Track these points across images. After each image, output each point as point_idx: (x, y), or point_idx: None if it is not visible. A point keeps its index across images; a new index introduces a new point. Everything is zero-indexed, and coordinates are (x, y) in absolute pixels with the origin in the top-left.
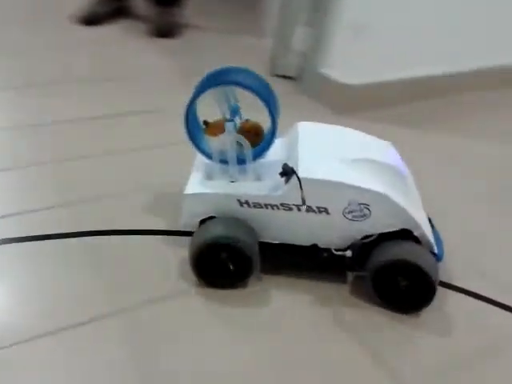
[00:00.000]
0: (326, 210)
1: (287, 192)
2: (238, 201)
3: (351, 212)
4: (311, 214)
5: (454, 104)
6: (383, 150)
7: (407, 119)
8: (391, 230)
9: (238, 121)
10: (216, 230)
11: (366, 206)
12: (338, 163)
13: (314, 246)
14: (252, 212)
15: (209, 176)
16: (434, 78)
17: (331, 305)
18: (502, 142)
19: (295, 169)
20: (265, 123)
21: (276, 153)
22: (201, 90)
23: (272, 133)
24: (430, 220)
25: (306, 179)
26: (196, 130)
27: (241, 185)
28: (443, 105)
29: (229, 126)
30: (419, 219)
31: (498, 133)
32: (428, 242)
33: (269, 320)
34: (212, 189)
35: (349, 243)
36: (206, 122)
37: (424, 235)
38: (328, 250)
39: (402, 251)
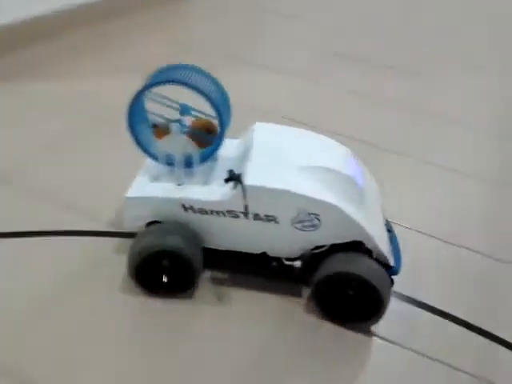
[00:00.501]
0: (274, 219)
1: (233, 198)
2: (182, 206)
3: (301, 222)
4: (259, 222)
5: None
6: (340, 158)
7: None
8: (342, 241)
9: (188, 120)
10: (152, 238)
11: (316, 216)
12: (291, 170)
13: (264, 255)
14: (197, 217)
15: (155, 178)
16: None
17: (281, 321)
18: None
19: (243, 175)
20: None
21: (229, 156)
22: (147, 86)
23: (219, 136)
24: (389, 230)
25: (253, 187)
26: (143, 129)
27: (186, 189)
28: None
29: (174, 127)
30: (373, 231)
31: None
32: (381, 254)
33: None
34: (155, 192)
35: (299, 253)
36: (154, 125)
37: (376, 247)
38: (278, 260)
39: (347, 263)
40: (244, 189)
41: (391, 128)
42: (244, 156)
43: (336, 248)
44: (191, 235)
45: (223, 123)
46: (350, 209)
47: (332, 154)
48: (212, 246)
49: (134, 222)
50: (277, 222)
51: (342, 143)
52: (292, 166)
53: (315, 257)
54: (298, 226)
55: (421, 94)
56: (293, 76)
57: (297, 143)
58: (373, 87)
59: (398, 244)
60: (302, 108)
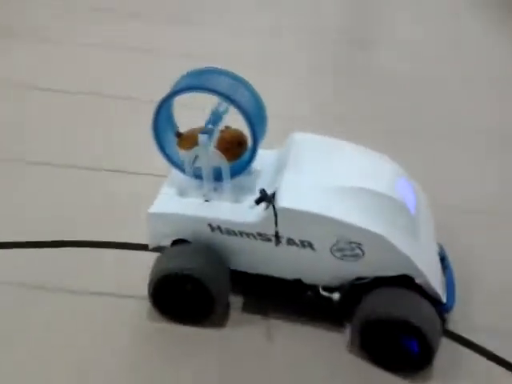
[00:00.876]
0: (310, 245)
1: (264, 221)
2: (209, 225)
3: (341, 250)
4: (293, 247)
5: None
6: (390, 179)
7: None
8: (388, 274)
9: (218, 129)
10: (169, 261)
11: (359, 245)
12: (331, 191)
13: (298, 282)
14: (224, 238)
15: (182, 192)
16: None
17: (319, 363)
18: None
19: (276, 194)
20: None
21: (264, 169)
22: (174, 92)
23: (252, 150)
24: (442, 259)
25: (286, 209)
26: (169, 136)
27: (214, 206)
28: None
29: (202, 138)
30: (424, 264)
31: None
32: (433, 291)
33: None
34: (179, 208)
35: (338, 283)
36: (178, 134)
37: (428, 283)
38: (314, 288)
39: (393, 305)
40: (276, 212)
41: None
42: (279, 171)
43: (381, 281)
44: (215, 258)
45: (256, 135)
46: (398, 239)
47: (380, 173)
48: (240, 269)
49: (158, 238)
50: (313, 249)
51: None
52: (333, 186)
53: (356, 289)
54: (338, 254)
55: None
56: None
57: (340, 158)
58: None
59: (452, 276)
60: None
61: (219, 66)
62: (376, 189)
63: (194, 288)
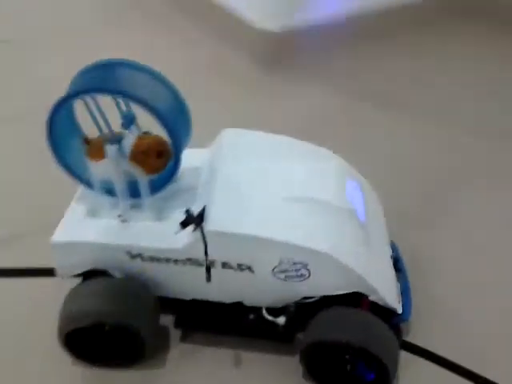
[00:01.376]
0: (249, 268)
1: (193, 245)
2: (128, 253)
3: (284, 272)
4: (230, 271)
5: None
6: (337, 181)
7: None
8: (337, 293)
9: (131, 136)
10: (83, 303)
11: (304, 265)
12: (270, 204)
13: (238, 305)
14: (148, 266)
15: (93, 212)
16: None
17: None
18: None
19: (205, 213)
20: None
21: (192, 174)
22: (72, 94)
23: (175, 163)
24: (396, 260)
25: (218, 233)
26: (74, 144)
27: (133, 229)
28: None
29: (110, 150)
30: (377, 277)
31: None
32: (388, 305)
33: None
34: (90, 235)
35: (284, 304)
36: (86, 140)
37: (382, 299)
38: (257, 311)
39: (340, 327)
40: (204, 236)
41: None
42: (209, 180)
43: (329, 300)
44: (138, 291)
45: (178, 144)
46: (348, 254)
47: (325, 175)
48: (170, 296)
49: (69, 269)
50: (252, 272)
51: None
52: (272, 198)
53: (303, 310)
54: (281, 276)
55: None
56: None
57: (278, 161)
58: None
59: (407, 280)
60: None
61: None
62: (321, 197)
63: (117, 333)
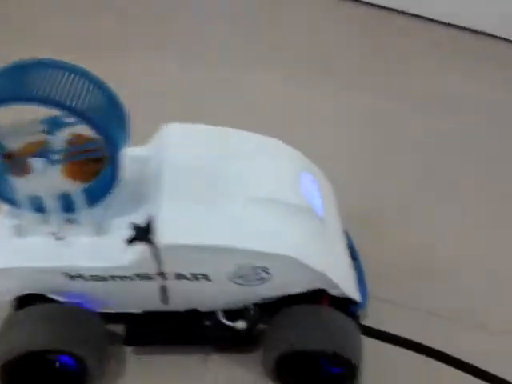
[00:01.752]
0: (205, 277)
1: (142, 262)
2: (66, 274)
3: (243, 277)
4: (184, 281)
5: None
6: (291, 175)
7: None
8: (298, 291)
9: (59, 142)
10: (19, 334)
11: (265, 269)
12: (223, 207)
13: (194, 312)
14: (91, 285)
15: (20, 230)
16: None
17: None
18: None
19: (153, 224)
20: None
21: (133, 177)
22: None
23: (112, 167)
24: (351, 250)
25: (170, 246)
26: None
27: (70, 247)
28: None
29: (37, 164)
30: (337, 270)
31: None
32: (348, 296)
33: None
34: (20, 259)
35: (241, 305)
36: (7, 154)
37: (343, 293)
38: (212, 315)
39: (306, 333)
40: (157, 252)
41: None
42: (153, 183)
43: (289, 298)
44: (81, 315)
45: (114, 146)
46: (310, 254)
47: (279, 170)
48: (116, 311)
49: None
50: (209, 280)
51: None
52: (224, 201)
53: (262, 310)
54: (239, 281)
55: None
56: None
57: (228, 157)
58: None
59: (361, 268)
60: None
61: None
62: (277, 196)
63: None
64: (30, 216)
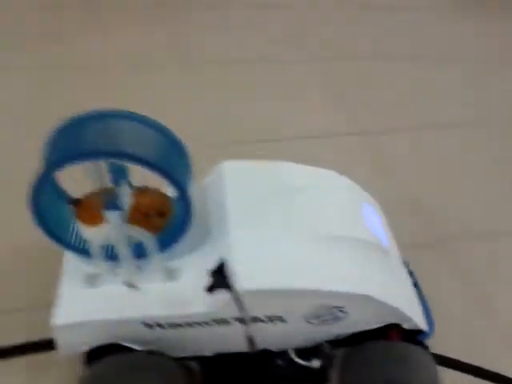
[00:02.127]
0: (280, 319)
1: (221, 308)
2: (144, 324)
3: (318, 317)
4: (258, 324)
5: None
6: (355, 210)
7: None
8: (371, 328)
9: (125, 194)
10: None
11: (340, 308)
12: (295, 247)
13: (265, 352)
14: (167, 333)
15: (91, 280)
16: None
17: None
18: None
19: (228, 267)
20: None
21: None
22: (54, 164)
23: (186, 212)
24: (415, 284)
25: (251, 292)
26: (58, 209)
27: (146, 295)
28: None
29: (112, 217)
30: (407, 303)
31: None
32: (418, 327)
33: None
34: (97, 311)
35: (314, 344)
36: (75, 201)
37: (415, 325)
38: (284, 355)
39: (395, 369)
40: (239, 297)
41: None
42: (217, 224)
43: (359, 334)
44: (165, 364)
45: (185, 192)
46: (382, 290)
47: (340, 203)
48: (189, 355)
49: (74, 348)
50: (284, 321)
51: None
52: (295, 240)
53: (335, 348)
54: (315, 321)
55: None
56: None
57: (286, 193)
58: None
59: (422, 295)
60: None
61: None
62: (345, 233)
63: None
64: (95, 266)
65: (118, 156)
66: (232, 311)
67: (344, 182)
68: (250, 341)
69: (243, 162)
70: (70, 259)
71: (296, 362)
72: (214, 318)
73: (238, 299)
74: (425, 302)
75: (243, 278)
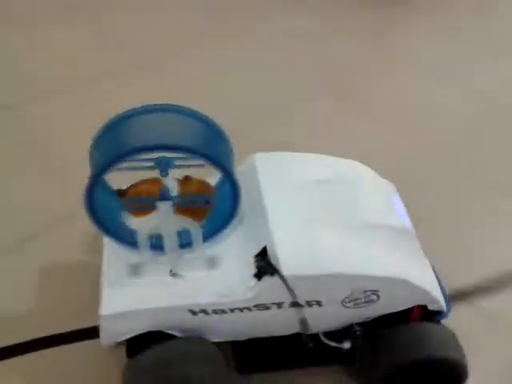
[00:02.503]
0: (318, 303)
1: (263, 292)
2: (190, 311)
3: (353, 300)
4: (296, 309)
5: None
6: (385, 198)
7: None
8: (400, 309)
9: (171, 184)
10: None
11: (375, 292)
12: (331, 232)
13: (297, 336)
14: (210, 319)
15: (135, 270)
16: None
17: None
18: None
19: (270, 254)
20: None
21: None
22: (106, 165)
23: (234, 203)
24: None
25: (294, 277)
26: (107, 202)
27: (190, 283)
28: None
29: (163, 206)
30: (432, 284)
31: None
32: (441, 309)
33: None
34: (144, 300)
35: (344, 326)
36: (121, 192)
37: (441, 306)
38: (314, 338)
39: (425, 344)
40: (285, 280)
41: None
42: (255, 214)
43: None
44: (210, 349)
45: (235, 184)
46: (414, 273)
47: (371, 192)
48: (226, 340)
49: (118, 337)
50: (320, 305)
51: None
52: (330, 226)
53: (366, 329)
54: (349, 304)
55: None
56: None
57: (315, 182)
58: None
59: (440, 279)
60: None
61: None
62: (381, 221)
63: None
64: (146, 255)
65: (177, 149)
66: (272, 295)
67: (368, 172)
68: (303, 323)
69: (273, 154)
70: (110, 251)
71: (326, 345)
72: (256, 303)
73: (286, 284)
74: (441, 283)
75: (287, 263)
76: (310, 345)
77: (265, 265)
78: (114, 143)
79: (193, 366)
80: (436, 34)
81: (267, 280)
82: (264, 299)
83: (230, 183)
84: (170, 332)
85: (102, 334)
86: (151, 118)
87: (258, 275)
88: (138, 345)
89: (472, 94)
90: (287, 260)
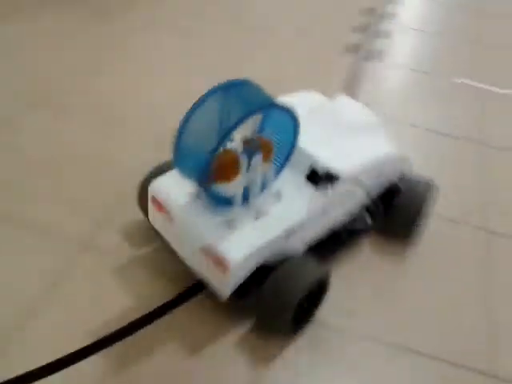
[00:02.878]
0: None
1: (335, 195)
2: (286, 235)
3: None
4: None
5: None
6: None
7: None
8: (392, 179)
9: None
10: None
11: (381, 169)
12: (345, 142)
13: (335, 233)
14: (296, 235)
15: (229, 223)
16: None
17: None
18: None
19: (321, 168)
20: None
21: None
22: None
23: (294, 136)
24: None
25: (352, 177)
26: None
27: (276, 215)
28: None
29: (255, 160)
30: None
31: None
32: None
33: None
34: (259, 239)
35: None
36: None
37: (409, 166)
38: (344, 230)
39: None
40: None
41: None
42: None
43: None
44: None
45: (298, 120)
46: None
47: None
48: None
49: (240, 281)
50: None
51: None
52: (341, 138)
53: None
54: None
55: None
56: None
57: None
58: None
59: None
60: None
61: None
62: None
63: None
64: (239, 210)
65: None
66: (332, 200)
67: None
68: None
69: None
70: (194, 215)
71: (353, 230)
72: (324, 206)
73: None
74: None
75: (342, 169)
76: (344, 235)
77: (330, 173)
78: (243, 101)
79: (320, 270)
80: None
81: (334, 187)
82: (330, 201)
83: (292, 119)
84: (268, 264)
85: (231, 281)
86: (246, 87)
87: (325, 180)
88: (244, 285)
89: None
90: (343, 166)
